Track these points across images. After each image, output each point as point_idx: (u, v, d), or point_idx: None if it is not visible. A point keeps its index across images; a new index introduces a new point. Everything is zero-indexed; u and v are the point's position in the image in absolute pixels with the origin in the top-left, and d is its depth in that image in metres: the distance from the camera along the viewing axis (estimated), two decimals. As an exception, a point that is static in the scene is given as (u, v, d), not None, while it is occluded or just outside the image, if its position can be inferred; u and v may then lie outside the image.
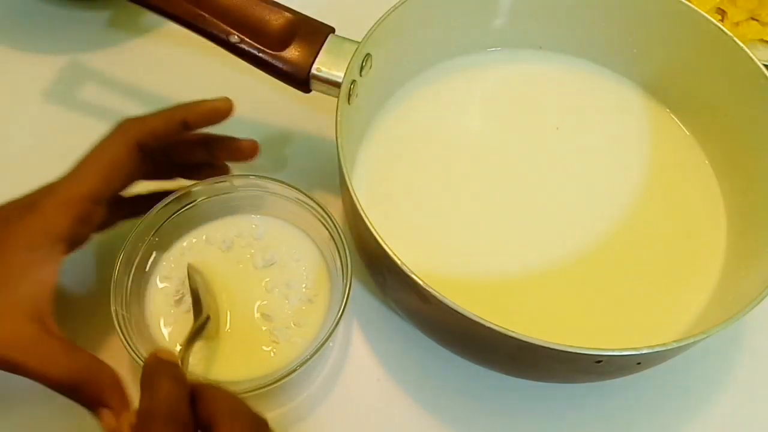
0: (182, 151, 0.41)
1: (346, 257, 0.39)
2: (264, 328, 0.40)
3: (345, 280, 0.39)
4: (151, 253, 0.41)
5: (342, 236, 0.40)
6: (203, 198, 0.42)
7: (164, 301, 0.41)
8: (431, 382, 0.42)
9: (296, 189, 0.41)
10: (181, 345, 0.36)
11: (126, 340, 0.37)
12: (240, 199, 0.43)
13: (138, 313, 0.40)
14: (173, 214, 0.41)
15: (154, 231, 0.41)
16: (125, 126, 0.37)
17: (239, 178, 0.42)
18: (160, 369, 0.30)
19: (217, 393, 0.29)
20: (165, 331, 0.40)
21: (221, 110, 0.39)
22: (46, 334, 0.33)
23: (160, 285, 0.41)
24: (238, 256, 0.42)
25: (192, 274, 0.40)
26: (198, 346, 0.38)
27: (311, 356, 0.37)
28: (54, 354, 0.32)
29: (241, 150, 0.41)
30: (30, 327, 0.33)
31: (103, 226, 0.38)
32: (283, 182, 0.41)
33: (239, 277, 0.42)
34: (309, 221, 0.42)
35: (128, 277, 0.39)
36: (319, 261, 0.42)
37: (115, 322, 0.37)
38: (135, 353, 0.36)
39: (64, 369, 0.32)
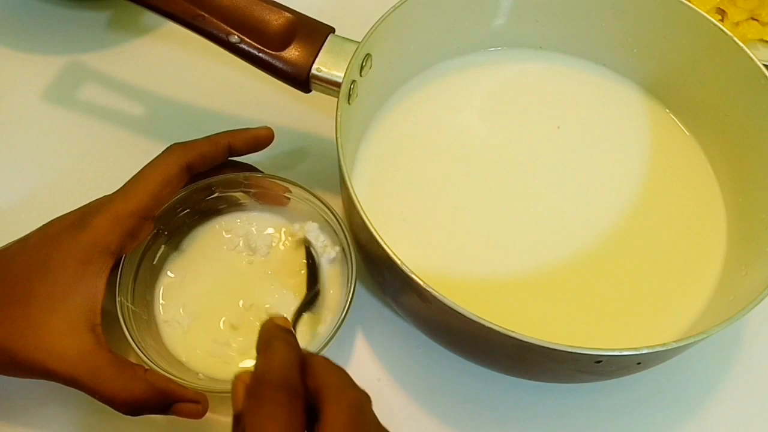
0: (213, 171, 0.42)
1: (352, 260, 0.39)
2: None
3: (349, 283, 0.39)
4: (160, 246, 0.42)
5: (348, 239, 0.40)
6: (215, 194, 0.43)
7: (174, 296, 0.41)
8: (431, 382, 0.42)
9: (306, 190, 0.42)
10: (291, 315, 0.37)
11: (129, 332, 0.37)
12: (251, 196, 0.43)
13: (145, 307, 0.40)
14: (181, 208, 0.42)
15: (163, 224, 0.41)
16: (177, 149, 0.39)
17: (251, 176, 0.43)
18: (275, 334, 0.31)
19: (326, 365, 0.30)
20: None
21: (263, 138, 0.42)
22: (100, 346, 0.35)
23: (171, 276, 0.42)
24: (248, 253, 0.43)
25: (308, 245, 0.41)
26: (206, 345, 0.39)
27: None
28: (107, 368, 0.34)
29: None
30: (89, 338, 0.35)
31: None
32: (295, 183, 0.42)
33: (248, 274, 0.42)
34: (314, 219, 0.42)
35: (135, 269, 0.40)
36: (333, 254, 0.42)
37: (119, 314, 0.37)
38: (138, 346, 0.36)
39: (124, 390, 0.34)
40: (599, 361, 0.33)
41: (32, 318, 0.34)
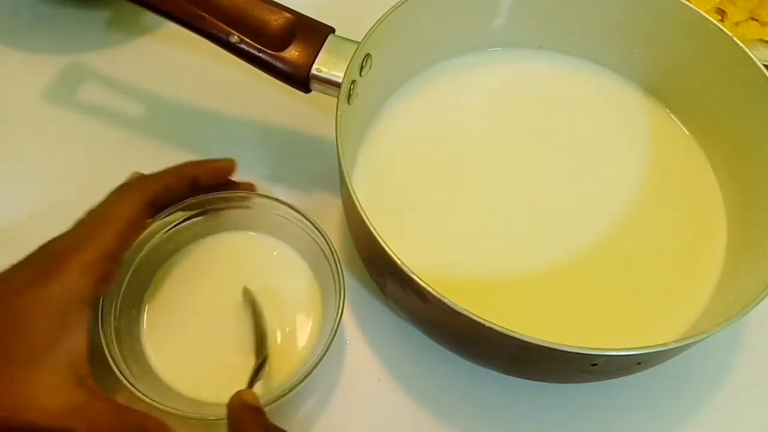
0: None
1: (341, 279, 0.38)
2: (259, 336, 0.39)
3: (337, 301, 0.38)
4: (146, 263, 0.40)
5: (336, 256, 0.38)
6: (193, 214, 0.41)
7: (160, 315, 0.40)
8: (431, 382, 0.42)
9: (289, 206, 0.40)
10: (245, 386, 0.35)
11: (110, 352, 0.36)
12: (233, 215, 0.42)
13: (129, 323, 0.39)
14: (168, 229, 0.41)
15: (146, 247, 0.40)
16: (140, 184, 0.37)
17: (228, 195, 0.41)
18: (246, 416, 0.32)
19: None
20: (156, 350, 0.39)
21: (225, 170, 0.41)
22: (93, 397, 0.33)
23: (158, 293, 0.41)
24: (229, 274, 0.42)
25: (253, 303, 0.39)
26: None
27: (308, 373, 0.36)
28: (106, 418, 0.33)
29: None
30: (79, 392, 0.33)
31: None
32: (274, 198, 0.40)
33: (231, 294, 0.41)
34: (301, 238, 0.41)
35: (120, 288, 0.38)
36: (312, 280, 0.42)
37: (101, 333, 0.36)
38: (116, 364, 0.35)
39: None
40: (598, 363, 0.33)
41: (15, 379, 0.32)
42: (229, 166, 0.41)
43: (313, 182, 0.42)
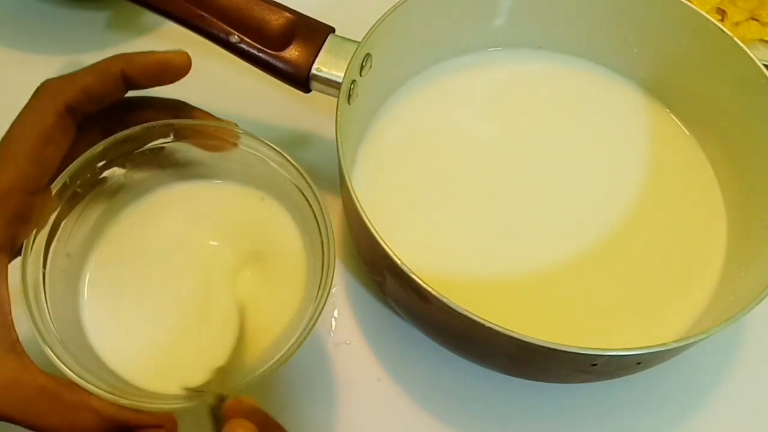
0: (122, 117, 0.33)
1: (328, 245, 0.32)
2: (237, 315, 0.33)
3: (323, 280, 0.32)
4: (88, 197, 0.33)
5: (323, 212, 0.33)
6: (146, 146, 0.33)
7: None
8: (431, 382, 0.42)
9: (278, 152, 0.33)
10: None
11: (30, 310, 0.28)
12: (211, 158, 0.35)
13: (67, 282, 0.32)
14: (103, 164, 0.32)
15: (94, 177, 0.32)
16: (49, 88, 0.29)
17: (205, 124, 0.34)
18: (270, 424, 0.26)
19: None
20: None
21: (173, 64, 0.31)
22: (26, 370, 0.27)
23: (104, 253, 0.33)
24: (203, 231, 0.35)
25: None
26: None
27: (298, 344, 0.30)
28: (41, 399, 0.27)
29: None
30: (11, 362, 0.27)
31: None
32: (262, 140, 0.34)
33: (207, 256, 0.34)
34: (290, 195, 0.35)
35: (51, 227, 0.31)
36: (299, 243, 0.35)
37: (22, 288, 0.28)
38: (44, 340, 0.28)
39: (64, 424, 0.27)
40: (597, 363, 0.33)
41: None
42: (179, 60, 0.31)
43: (313, 182, 0.42)
